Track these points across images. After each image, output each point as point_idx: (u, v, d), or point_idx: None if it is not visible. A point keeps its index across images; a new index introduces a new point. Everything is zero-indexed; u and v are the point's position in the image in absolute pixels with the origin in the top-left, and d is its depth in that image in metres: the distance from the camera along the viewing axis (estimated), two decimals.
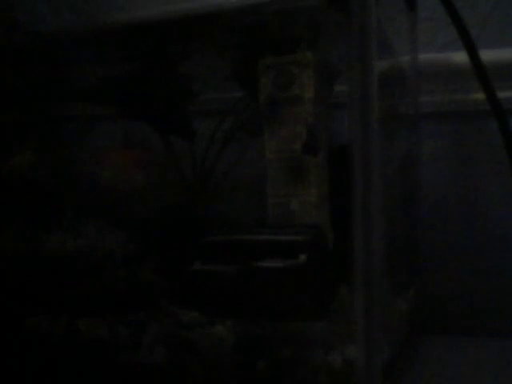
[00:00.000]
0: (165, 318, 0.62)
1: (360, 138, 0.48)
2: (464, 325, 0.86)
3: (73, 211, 0.76)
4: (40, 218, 0.75)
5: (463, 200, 0.88)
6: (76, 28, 0.80)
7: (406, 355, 0.72)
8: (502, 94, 0.66)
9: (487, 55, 0.69)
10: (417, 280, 0.84)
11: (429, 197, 0.88)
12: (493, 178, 0.86)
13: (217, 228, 0.62)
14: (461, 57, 0.75)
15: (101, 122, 0.94)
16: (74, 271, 0.68)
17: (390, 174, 0.75)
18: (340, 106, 0.66)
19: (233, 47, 0.78)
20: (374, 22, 0.48)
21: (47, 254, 0.70)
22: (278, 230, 0.59)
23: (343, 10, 0.56)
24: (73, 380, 0.61)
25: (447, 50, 0.88)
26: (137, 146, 0.90)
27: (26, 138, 0.81)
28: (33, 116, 0.84)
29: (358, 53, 0.48)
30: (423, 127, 0.87)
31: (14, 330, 0.63)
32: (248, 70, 0.73)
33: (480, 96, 0.79)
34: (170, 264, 0.68)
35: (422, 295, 0.83)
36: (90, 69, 0.86)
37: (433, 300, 0.86)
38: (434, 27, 0.88)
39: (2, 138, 0.80)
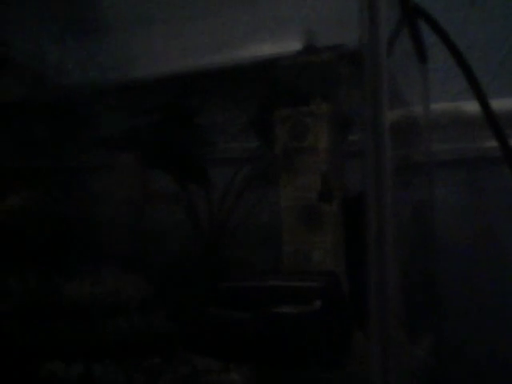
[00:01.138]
0: (179, 365, 0.62)
1: (374, 186, 0.49)
2: (483, 373, 0.84)
3: (90, 257, 0.77)
4: (57, 264, 0.76)
5: (479, 247, 0.87)
6: (98, 82, 0.83)
7: None
8: None
9: (498, 104, 0.70)
10: (434, 328, 0.83)
11: (444, 244, 0.88)
12: (507, 223, 0.86)
13: (232, 274, 0.62)
14: (472, 106, 0.77)
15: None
16: (90, 317, 0.68)
17: (405, 221, 0.75)
18: (355, 154, 0.67)
19: (249, 99, 0.80)
20: (385, 74, 0.50)
21: (63, 300, 0.70)
22: (293, 277, 0.59)
23: (356, 63, 0.58)
24: None
25: (459, 100, 0.89)
26: None
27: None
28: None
29: (370, 103, 0.49)
30: (436, 175, 0.88)
31: (29, 377, 0.63)
32: (264, 121, 0.74)
33: (492, 144, 0.79)
34: (185, 310, 0.68)
35: (439, 343, 0.82)
36: (110, 121, 0.88)
37: (451, 348, 0.84)
38: (445, 78, 0.90)
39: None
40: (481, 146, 0.87)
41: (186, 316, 0.66)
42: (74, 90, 0.83)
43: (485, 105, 0.66)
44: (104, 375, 0.61)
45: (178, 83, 0.78)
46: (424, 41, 0.85)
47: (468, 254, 0.88)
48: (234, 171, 0.82)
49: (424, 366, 0.70)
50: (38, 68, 0.88)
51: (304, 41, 0.72)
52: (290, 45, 0.73)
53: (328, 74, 0.72)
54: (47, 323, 0.69)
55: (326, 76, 0.72)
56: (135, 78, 0.80)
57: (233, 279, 0.60)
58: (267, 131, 0.73)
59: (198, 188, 0.83)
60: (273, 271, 0.68)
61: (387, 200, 0.49)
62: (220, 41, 0.80)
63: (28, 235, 0.79)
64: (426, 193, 0.87)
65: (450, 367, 0.84)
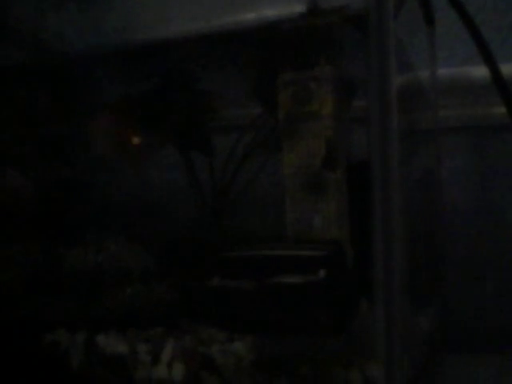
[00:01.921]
0: (183, 335, 0.62)
1: (379, 152, 0.48)
2: (489, 343, 0.84)
3: (95, 226, 0.77)
4: (61, 233, 0.76)
5: (485, 214, 0.87)
6: (98, 48, 0.82)
7: (429, 375, 0.70)
8: None
9: (508, 69, 0.68)
10: (439, 298, 0.83)
11: (450, 212, 0.88)
12: None
13: (234, 243, 0.62)
14: (480, 71, 0.75)
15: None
16: (93, 287, 0.68)
17: (410, 188, 0.74)
18: (359, 120, 0.66)
19: (251, 63, 0.78)
20: (392, 38, 0.49)
21: (67, 268, 0.70)
22: (296, 246, 0.58)
23: (361, 27, 0.56)
24: None
25: (467, 65, 0.87)
26: None
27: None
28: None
29: (376, 68, 0.48)
30: (443, 141, 0.87)
31: (32, 346, 0.64)
32: (266, 86, 0.73)
33: (501, 110, 0.78)
34: (188, 280, 0.68)
35: (444, 313, 0.82)
36: (111, 87, 0.87)
37: (456, 318, 0.85)
38: (452, 42, 0.88)
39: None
40: (489, 112, 0.86)
41: (189, 286, 0.65)
42: (73, 56, 0.81)
43: (494, 70, 0.65)
44: (107, 345, 0.61)
45: (179, 48, 0.77)
46: (431, 3, 0.83)
47: (474, 223, 0.88)
48: (235, 138, 0.81)
49: (428, 336, 0.71)
50: (38, 33, 0.87)
51: (307, 2, 0.70)
52: (293, 7, 0.71)
53: (332, 37, 0.70)
54: (50, 292, 0.69)
55: (330, 39, 0.71)
56: (135, 44, 0.78)
57: (235, 248, 0.59)
58: (269, 97, 0.71)
59: (200, 155, 0.82)
60: (276, 240, 0.68)
61: (393, 167, 0.48)
62: (221, 3, 0.78)
63: (29, 205, 0.79)
64: (433, 160, 0.86)
65: (453, 338, 0.84)
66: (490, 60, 0.65)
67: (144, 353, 0.59)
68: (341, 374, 0.51)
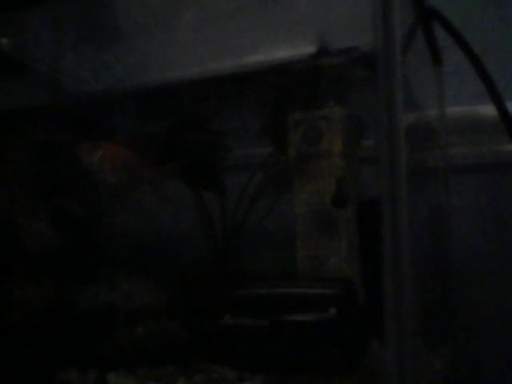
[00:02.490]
0: (194, 374, 0.61)
1: (389, 190, 0.48)
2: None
3: (108, 266, 0.77)
4: (75, 272, 0.76)
5: (496, 254, 0.86)
6: (113, 89, 0.84)
7: None
8: None
9: None
10: (452, 338, 0.81)
11: (460, 250, 0.87)
12: None
13: (246, 282, 0.62)
14: (489, 109, 0.75)
15: None
16: (106, 325, 0.68)
17: (421, 226, 0.74)
18: (369, 160, 0.66)
19: (263, 104, 0.80)
20: (400, 78, 0.49)
21: (79, 307, 0.71)
22: (307, 284, 0.58)
23: (370, 67, 0.58)
24: None
25: (474, 104, 0.88)
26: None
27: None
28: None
29: (384, 107, 0.49)
30: (452, 179, 0.87)
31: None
32: (277, 126, 0.74)
33: (509, 148, 0.78)
34: (200, 318, 0.67)
35: (458, 354, 0.80)
36: (125, 126, 0.88)
37: (469, 359, 0.83)
38: (460, 81, 0.89)
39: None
40: (497, 151, 0.86)
41: (201, 324, 0.65)
42: (89, 97, 0.83)
43: (501, 108, 0.65)
44: (118, 383, 0.61)
45: (193, 89, 0.78)
46: (439, 43, 0.84)
47: (485, 260, 0.87)
48: (247, 177, 0.82)
49: (441, 375, 0.69)
50: (54, 75, 0.89)
51: (317, 44, 0.71)
52: (304, 48, 0.72)
53: (341, 77, 0.72)
54: (63, 331, 0.69)
55: (339, 79, 0.72)
56: (150, 84, 0.80)
57: (247, 287, 0.59)
58: (281, 136, 0.72)
59: (212, 194, 0.83)
60: (287, 278, 0.68)
61: (403, 205, 0.48)
62: (233, 45, 0.80)
63: (43, 244, 0.79)
64: (442, 198, 0.86)
65: (468, 377, 0.82)
66: (497, 98, 0.65)
67: None
68: None
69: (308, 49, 0.71)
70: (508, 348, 0.84)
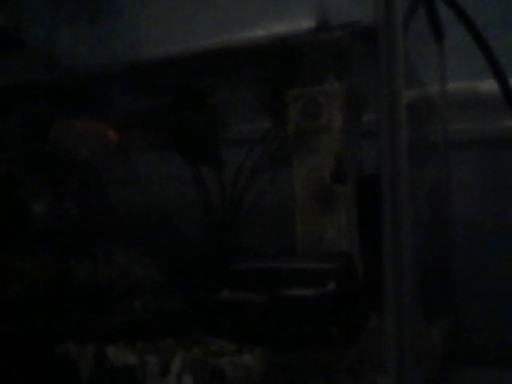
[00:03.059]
0: (193, 346, 0.61)
1: (389, 165, 0.48)
2: (500, 356, 0.83)
3: (105, 240, 0.77)
4: (73, 247, 0.76)
5: (496, 228, 0.86)
6: (109, 64, 0.83)
7: None
8: None
9: None
10: (451, 310, 0.82)
11: (460, 224, 0.87)
12: None
13: (245, 256, 0.62)
14: (490, 85, 0.75)
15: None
16: (104, 299, 0.68)
17: (421, 201, 0.74)
18: (369, 135, 0.66)
19: (261, 79, 0.79)
20: (401, 52, 0.49)
21: (78, 281, 0.71)
22: (306, 258, 0.58)
23: (370, 42, 0.57)
24: None
25: (476, 79, 0.87)
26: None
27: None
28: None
29: (385, 82, 0.48)
30: (453, 155, 0.86)
31: (43, 358, 0.64)
32: (276, 101, 0.73)
33: (510, 124, 0.78)
34: (198, 292, 0.68)
35: (456, 325, 0.81)
36: (122, 103, 0.88)
37: (468, 330, 0.84)
38: (461, 57, 0.88)
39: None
40: (498, 126, 0.86)
41: (199, 298, 0.65)
42: (86, 73, 0.82)
43: (504, 84, 0.65)
44: (117, 356, 0.61)
45: (190, 64, 0.78)
46: (440, 19, 0.83)
47: (485, 234, 0.87)
48: (246, 152, 0.82)
49: (440, 347, 0.70)
50: (50, 50, 0.88)
51: (317, 18, 0.70)
52: (303, 23, 0.71)
53: (341, 52, 0.71)
54: (61, 305, 0.69)
55: (339, 54, 0.71)
56: (147, 60, 0.79)
57: (246, 261, 0.59)
58: (279, 111, 0.72)
59: (211, 169, 0.82)
60: (286, 253, 0.68)
61: (403, 180, 0.48)
62: (232, 19, 0.79)
63: (41, 218, 0.79)
64: (443, 173, 0.86)
65: (466, 349, 0.83)
66: (499, 74, 0.65)
67: (153, 364, 0.59)
68: None
69: (307, 23, 0.71)
70: (507, 319, 0.85)
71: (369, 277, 0.60)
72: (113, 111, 0.89)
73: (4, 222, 0.76)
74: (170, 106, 0.82)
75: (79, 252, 0.75)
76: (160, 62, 0.78)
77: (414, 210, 0.53)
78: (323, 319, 0.52)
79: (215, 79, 0.81)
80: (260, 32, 0.75)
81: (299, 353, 0.56)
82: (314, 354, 0.55)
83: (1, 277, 0.71)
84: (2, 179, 0.81)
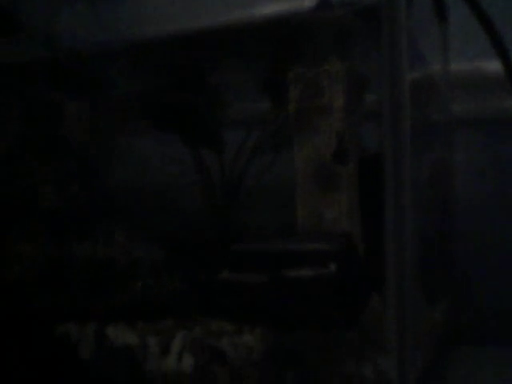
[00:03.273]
0: (193, 326, 0.61)
1: (392, 146, 0.48)
2: (501, 336, 0.84)
3: (105, 221, 0.77)
4: (72, 227, 0.76)
5: (497, 208, 0.86)
6: (109, 44, 0.82)
7: (441, 367, 0.70)
8: None
9: None
10: (452, 290, 0.82)
11: (464, 205, 0.87)
12: None
13: (245, 237, 0.61)
14: (493, 65, 0.74)
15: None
16: (104, 279, 0.68)
17: (423, 182, 0.74)
18: (371, 115, 0.65)
19: (262, 58, 0.78)
20: (404, 31, 0.48)
21: (78, 261, 0.71)
22: (307, 239, 0.58)
23: (373, 20, 0.56)
24: None
25: (479, 60, 0.86)
26: None
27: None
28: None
29: (388, 61, 0.48)
30: (456, 135, 0.86)
31: (43, 338, 0.64)
32: (277, 81, 0.73)
33: None
34: (199, 272, 0.67)
35: (457, 305, 0.81)
36: (122, 83, 0.87)
37: (469, 310, 0.84)
38: (465, 37, 0.87)
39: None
40: (501, 106, 0.85)
41: (199, 279, 0.65)
42: (85, 52, 0.81)
43: (508, 64, 0.64)
44: (117, 336, 0.61)
45: (190, 43, 0.77)
46: None
47: (486, 216, 0.87)
48: (246, 133, 0.81)
49: (440, 327, 0.70)
50: (50, 31, 0.87)
51: None
52: (304, 1, 0.70)
53: (343, 31, 0.70)
54: (61, 285, 0.69)
55: (340, 33, 0.70)
56: (147, 39, 0.78)
57: (246, 242, 0.59)
58: (280, 91, 0.71)
59: (211, 150, 0.82)
60: (287, 233, 0.67)
61: (405, 161, 0.47)
62: None
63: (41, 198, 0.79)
64: (445, 153, 0.85)
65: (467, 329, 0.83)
66: (503, 54, 0.64)
67: (154, 344, 0.59)
68: (352, 367, 0.50)
69: (308, 1, 0.70)
70: (507, 299, 0.85)
71: (370, 257, 0.60)
72: (112, 91, 0.88)
73: (3, 203, 0.76)
74: (170, 86, 0.81)
75: (79, 233, 0.75)
76: (159, 42, 0.78)
77: (416, 190, 0.53)
78: (324, 300, 0.52)
79: (215, 59, 0.80)
80: (260, 11, 0.74)
81: (300, 334, 0.56)
82: (314, 335, 0.55)
83: (1, 259, 0.71)
84: (1, 160, 0.81)
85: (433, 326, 0.68)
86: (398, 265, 0.47)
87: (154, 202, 0.87)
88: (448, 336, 0.76)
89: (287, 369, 0.53)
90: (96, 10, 0.87)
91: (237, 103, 0.87)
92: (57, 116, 0.83)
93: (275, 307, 0.54)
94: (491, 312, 0.86)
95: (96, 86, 0.86)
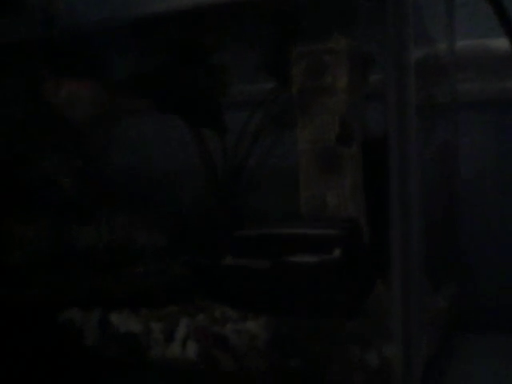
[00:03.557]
0: (197, 313, 0.61)
1: (396, 127, 0.47)
2: (506, 323, 0.83)
3: (107, 206, 0.76)
4: (75, 212, 0.75)
5: (502, 192, 0.85)
6: (109, 21, 0.80)
7: (446, 354, 0.70)
8: None
9: None
10: (457, 276, 0.82)
11: (467, 188, 0.86)
12: None
13: (248, 222, 0.61)
14: (501, 43, 0.73)
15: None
16: (107, 265, 0.68)
17: (428, 164, 0.73)
18: (375, 96, 0.64)
19: (264, 36, 0.77)
20: (410, 8, 0.47)
21: (80, 247, 0.70)
22: (311, 224, 0.57)
23: None
24: (105, 374, 0.61)
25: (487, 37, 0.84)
26: None
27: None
28: None
29: (393, 40, 0.46)
30: (461, 115, 0.85)
31: (47, 325, 0.64)
32: (279, 60, 0.71)
33: None
34: (201, 258, 0.67)
35: (461, 292, 0.81)
36: (122, 61, 0.86)
37: (473, 297, 0.84)
38: (472, 13, 0.85)
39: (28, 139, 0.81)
40: (508, 86, 0.84)
41: (202, 264, 0.65)
42: (84, 30, 0.80)
43: None
44: (121, 323, 0.61)
45: (191, 20, 0.75)
46: None
47: (493, 199, 0.86)
48: (248, 114, 0.80)
49: (444, 313, 0.70)
50: (49, 8, 0.86)
51: None
52: None
53: (347, 7, 0.68)
54: (63, 271, 0.69)
55: (344, 10, 0.69)
56: (147, 17, 0.77)
57: (249, 227, 0.58)
58: (283, 70, 0.70)
59: (212, 132, 0.81)
60: (291, 218, 0.67)
61: (410, 142, 0.46)
62: None
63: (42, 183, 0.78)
64: (451, 134, 0.84)
65: (472, 316, 0.83)
66: (510, 32, 0.62)
67: (157, 331, 0.59)
68: (357, 354, 0.50)
69: None
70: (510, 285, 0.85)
71: (375, 242, 0.59)
72: (112, 70, 0.87)
73: (4, 187, 0.76)
74: (171, 65, 0.80)
75: (81, 217, 0.74)
76: (160, 19, 0.76)
77: (421, 173, 0.52)
78: (328, 286, 0.51)
79: (217, 37, 0.79)
80: None
81: (304, 320, 0.55)
82: (318, 322, 0.55)
83: (2, 243, 0.70)
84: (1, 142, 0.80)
85: (438, 312, 0.67)
86: (404, 250, 0.46)
87: (156, 187, 0.87)
88: (453, 322, 0.76)
89: (291, 356, 0.53)
90: None
91: (239, 83, 0.86)
92: (55, 96, 0.82)
93: (278, 293, 0.53)
94: (494, 299, 0.85)
95: (96, 65, 0.85)
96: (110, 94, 0.83)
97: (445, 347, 0.70)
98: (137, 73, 0.81)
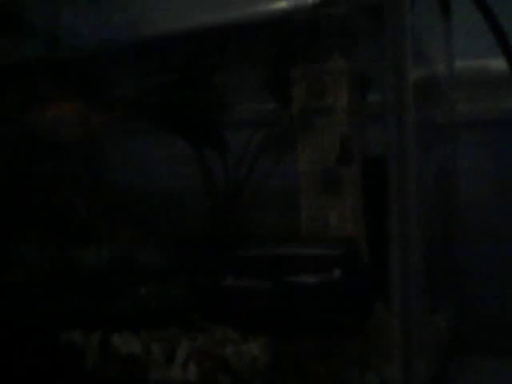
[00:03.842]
0: (198, 334, 0.61)
1: (396, 147, 0.47)
2: (505, 345, 0.83)
3: (109, 225, 0.77)
4: (76, 232, 0.75)
5: (503, 209, 0.85)
6: (110, 42, 0.81)
7: (445, 376, 0.69)
8: None
9: None
10: (456, 297, 0.81)
11: (467, 208, 0.86)
12: None
13: (249, 242, 0.61)
14: (498, 63, 0.73)
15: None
16: (107, 285, 0.68)
17: (427, 184, 0.73)
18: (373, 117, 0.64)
19: (264, 57, 0.77)
20: (408, 28, 0.47)
21: (81, 267, 0.70)
22: (311, 244, 0.57)
23: (376, 18, 0.55)
24: None
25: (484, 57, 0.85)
26: None
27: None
28: None
29: (392, 60, 0.47)
30: (460, 135, 0.85)
31: (48, 346, 0.64)
32: (280, 80, 0.72)
33: None
34: (202, 279, 0.67)
35: (460, 313, 0.80)
36: (124, 82, 0.87)
37: (472, 318, 0.83)
38: (470, 33, 0.86)
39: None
40: (506, 106, 0.84)
41: (203, 285, 0.65)
42: (87, 51, 0.81)
43: None
44: (121, 344, 0.61)
45: (192, 41, 0.76)
46: None
47: (492, 217, 0.86)
48: (249, 134, 0.80)
49: (445, 335, 0.69)
50: (52, 29, 0.87)
51: None
52: None
53: (347, 28, 0.69)
54: (64, 292, 0.69)
55: (344, 31, 0.69)
56: (149, 38, 0.78)
57: (250, 247, 0.58)
58: (283, 91, 0.70)
59: (213, 152, 0.81)
60: (291, 238, 0.67)
61: (409, 162, 0.47)
62: None
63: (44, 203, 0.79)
64: (450, 153, 0.84)
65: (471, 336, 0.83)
66: (508, 52, 0.63)
67: (158, 353, 0.58)
68: (356, 375, 0.50)
69: None
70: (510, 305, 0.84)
71: (374, 263, 0.59)
72: (114, 90, 0.88)
73: (5, 207, 0.76)
74: (172, 85, 0.80)
75: (82, 238, 0.74)
76: (161, 41, 0.77)
77: (420, 193, 0.52)
78: (328, 306, 0.51)
79: (218, 57, 0.79)
80: (263, 7, 0.73)
81: (304, 341, 0.55)
82: (318, 342, 0.55)
83: (3, 264, 0.71)
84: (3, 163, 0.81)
85: (437, 332, 0.67)
86: (403, 270, 0.46)
87: (157, 205, 0.87)
88: (453, 344, 0.75)
89: (292, 377, 0.52)
90: (98, 8, 0.87)
91: (240, 103, 0.86)
92: (58, 116, 0.83)
93: (279, 314, 0.53)
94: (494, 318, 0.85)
95: (98, 85, 0.86)
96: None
97: (443, 368, 0.70)
98: (138, 92, 0.82)
